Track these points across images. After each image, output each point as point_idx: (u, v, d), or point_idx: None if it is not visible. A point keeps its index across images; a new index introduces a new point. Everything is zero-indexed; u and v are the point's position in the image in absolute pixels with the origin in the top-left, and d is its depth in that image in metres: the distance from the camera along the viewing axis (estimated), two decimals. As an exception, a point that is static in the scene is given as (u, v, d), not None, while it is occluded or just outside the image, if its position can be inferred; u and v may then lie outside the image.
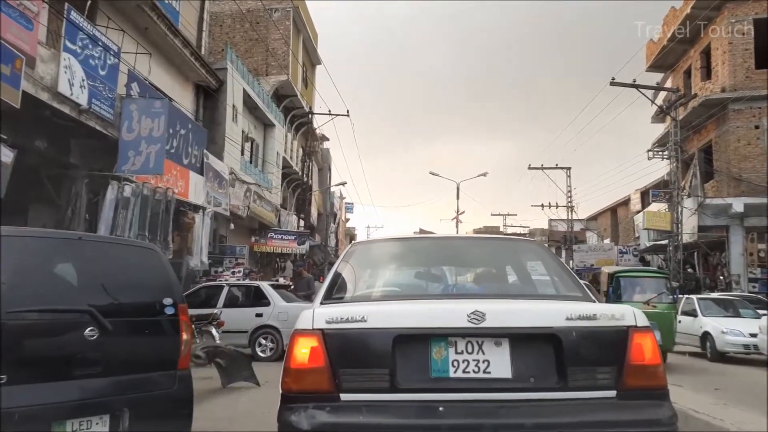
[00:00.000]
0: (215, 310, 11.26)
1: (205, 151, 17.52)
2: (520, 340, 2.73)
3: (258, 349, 11.93)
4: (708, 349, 14.39)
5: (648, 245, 28.81)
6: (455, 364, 2.70)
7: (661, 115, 27.28)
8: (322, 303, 3.14)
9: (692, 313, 15.49)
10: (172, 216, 14.50)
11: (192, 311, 11.79)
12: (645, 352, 2.72)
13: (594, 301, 3.16)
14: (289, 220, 29.45)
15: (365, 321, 2.71)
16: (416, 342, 2.72)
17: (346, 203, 59.50)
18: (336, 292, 3.34)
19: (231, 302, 12.41)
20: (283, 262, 29.47)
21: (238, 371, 8.12)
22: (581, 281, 3.42)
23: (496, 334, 2.72)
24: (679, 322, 15.77)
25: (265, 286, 12.63)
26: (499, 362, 2.70)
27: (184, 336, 4.08)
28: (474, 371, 2.70)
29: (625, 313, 2.78)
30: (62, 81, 10.67)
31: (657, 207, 27.17)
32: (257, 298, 12.38)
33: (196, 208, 16.51)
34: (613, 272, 14.04)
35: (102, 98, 11.90)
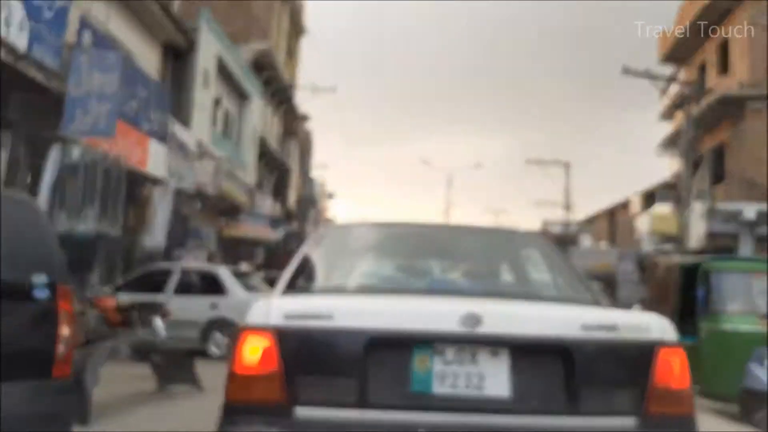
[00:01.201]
0: (162, 298, 10.10)
1: (169, 117, 16.30)
2: (523, 351, 2.36)
3: (212, 346, 10.82)
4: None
5: (648, 251, 28.01)
6: (441, 376, 2.33)
7: (672, 110, 26.42)
8: (282, 293, 2.80)
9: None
10: (126, 187, 13.32)
11: (133, 297, 10.72)
12: (673, 373, 2.39)
13: (606, 307, 2.85)
14: (265, 203, 28.25)
15: (332, 318, 2.34)
16: (394, 347, 2.36)
17: (328, 191, 58.40)
18: (301, 280, 2.97)
19: (183, 289, 11.26)
20: (256, 249, 28.34)
21: (178, 373, 7.03)
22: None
23: (494, 343, 2.35)
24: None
25: (222, 272, 11.48)
26: (496, 377, 2.33)
27: (65, 330, 2.96)
28: (464, 387, 2.32)
29: (652, 324, 2.46)
30: (-5, 19, 9.43)
31: (662, 210, 26.39)
32: (213, 287, 11.23)
33: (155, 181, 15.30)
34: (693, 264, 9.75)
35: (45, 44, 10.67)
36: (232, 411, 2.36)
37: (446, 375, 2.34)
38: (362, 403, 2.29)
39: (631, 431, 2.33)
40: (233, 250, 23.69)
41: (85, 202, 11.24)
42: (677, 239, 23.97)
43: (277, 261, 26.70)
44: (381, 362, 2.33)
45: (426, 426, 2.27)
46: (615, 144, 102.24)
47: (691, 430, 2.43)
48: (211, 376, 8.14)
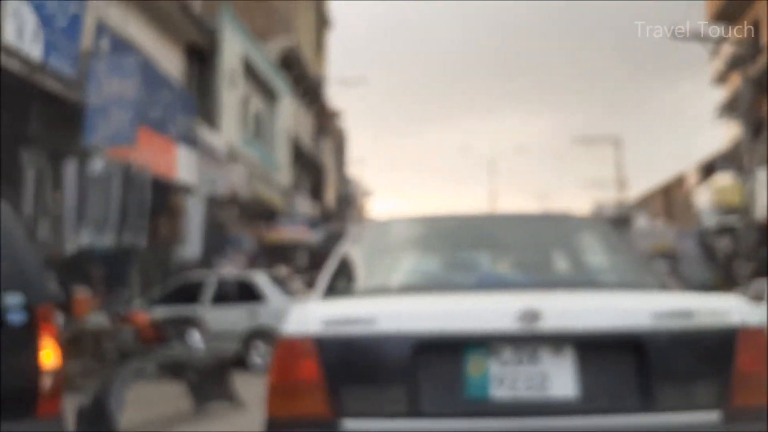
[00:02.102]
0: (197, 310, 9.76)
1: (197, 122, 16.05)
2: (589, 346, 2.21)
3: (254, 355, 10.42)
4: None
5: (710, 226, 26.74)
6: (499, 379, 2.19)
7: (726, 73, 25.11)
8: (322, 297, 2.69)
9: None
10: (154, 197, 13.08)
11: (168, 310, 10.43)
12: (759, 359, 2.21)
13: (677, 292, 2.72)
14: (302, 204, 27.98)
15: (374, 322, 2.22)
16: (445, 350, 2.23)
17: (366, 189, 58.11)
18: (340, 283, 2.85)
19: (219, 299, 10.90)
20: (298, 252, 28.11)
21: (214, 389, 6.60)
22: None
23: (556, 339, 2.20)
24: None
25: (259, 278, 11.08)
26: (561, 377, 2.18)
27: (50, 359, 2.50)
28: (526, 390, 2.19)
29: (731, 308, 2.29)
30: (8, 29, 9.22)
31: (723, 180, 25.11)
32: (251, 294, 10.85)
33: (186, 188, 15.06)
34: None
35: (61, 52, 10.44)
36: (274, 425, 2.24)
37: (505, 377, 2.19)
38: (414, 413, 2.16)
39: (715, 427, 2.16)
40: (274, 255, 23.47)
41: (109, 215, 10.98)
42: (742, 210, 22.73)
43: (320, 263, 26.45)
44: (431, 368, 2.20)
45: None
46: (666, 117, 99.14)
47: None
48: (252, 389, 7.72)
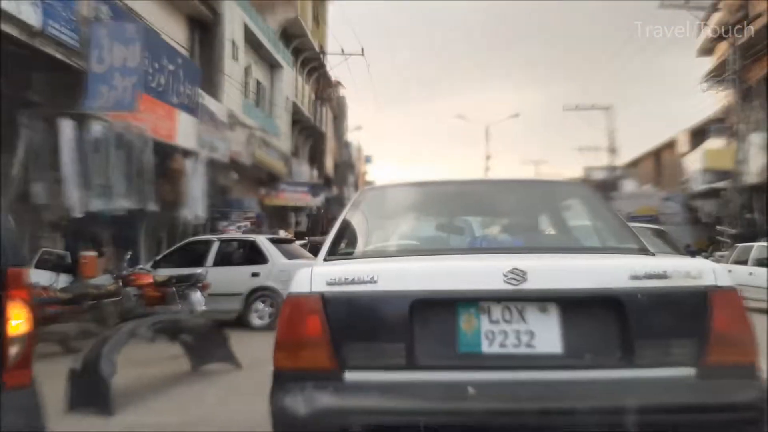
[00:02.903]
0: (199, 270, 9.51)
1: (199, 90, 15.60)
2: (573, 305, 2.25)
3: (254, 316, 10.22)
4: (788, 305, 12.34)
5: (700, 189, 26.39)
6: (489, 335, 2.24)
7: (714, 42, 24.50)
8: (325, 260, 2.75)
9: (765, 263, 13.45)
10: (156, 161, 12.74)
11: (170, 272, 10.19)
12: (730, 319, 2.24)
13: (654, 255, 2.67)
14: (302, 170, 27.61)
15: (375, 282, 2.27)
16: (440, 308, 2.28)
17: (365, 155, 57.55)
18: (342, 246, 2.91)
19: (222, 260, 10.67)
20: (299, 217, 27.84)
21: (211, 350, 6.38)
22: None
23: (542, 298, 2.25)
24: (750, 274, 13.93)
25: (261, 240, 10.85)
26: (546, 333, 2.22)
27: (18, 325, 2.25)
28: (514, 345, 2.23)
29: (703, 270, 2.29)
30: (5, -5, 8.77)
31: (714, 145, 24.74)
32: (253, 255, 10.60)
33: (186, 152, 14.70)
34: None
35: (60, 19, 10.01)
36: (281, 378, 2.30)
37: (495, 333, 2.26)
38: (411, 365, 2.23)
39: (690, 382, 2.21)
40: (275, 219, 23.20)
41: (111, 179, 10.67)
42: (733, 174, 22.41)
43: (320, 226, 26.23)
44: (427, 324, 2.27)
45: (478, 384, 2.18)
46: (657, 85, 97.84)
47: (753, 378, 2.26)
48: (253, 349, 7.52)
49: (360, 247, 3.00)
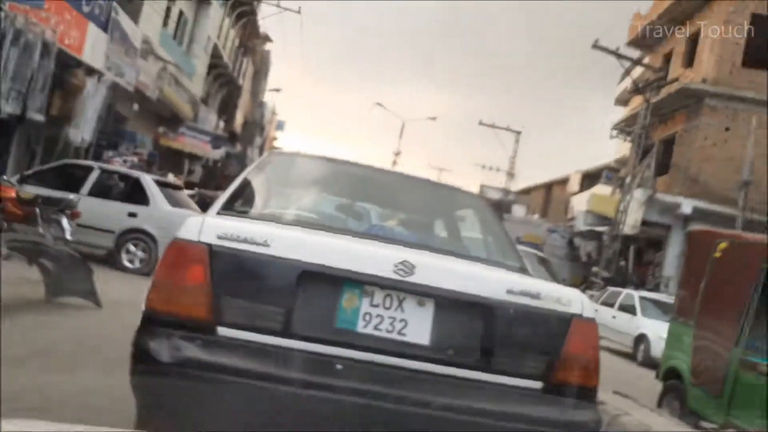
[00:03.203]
0: (71, 195, 8.79)
1: (114, 4, 14.52)
2: (448, 305, 2.38)
3: (125, 257, 9.59)
4: (640, 352, 13.37)
5: (583, 229, 28.01)
6: (366, 317, 2.32)
7: (631, 93, 26.06)
8: (218, 213, 2.68)
9: (630, 310, 14.44)
10: (54, 70, 11.70)
11: (39, 191, 9.38)
12: (584, 346, 2.46)
13: (531, 275, 2.89)
14: (209, 118, 26.51)
15: (267, 246, 2.26)
16: (326, 283, 2.31)
17: (278, 120, 56.31)
18: (239, 204, 2.87)
19: (100, 191, 9.88)
20: (193, 166, 26.72)
21: (72, 282, 5.89)
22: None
23: (423, 293, 2.35)
24: (613, 317, 14.92)
25: (147, 179, 10.13)
26: (419, 325, 2.35)
27: None
28: (387, 330, 2.32)
29: (573, 299, 2.48)
30: None
31: (602, 191, 26.27)
32: (134, 194, 9.92)
33: (89, 71, 13.65)
34: None
35: None
36: (151, 321, 2.23)
37: (372, 316, 2.34)
38: (286, 333, 2.25)
39: (536, 394, 2.38)
40: (168, 162, 22.12)
41: (3, 77, 9.66)
42: (612, 222, 23.95)
43: (214, 181, 25.32)
44: (311, 296, 2.31)
45: (345, 361, 2.25)
46: (567, 122, 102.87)
47: (592, 399, 2.47)
48: (116, 291, 7.05)
49: (257, 208, 3.00)
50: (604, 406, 4.37)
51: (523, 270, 2.93)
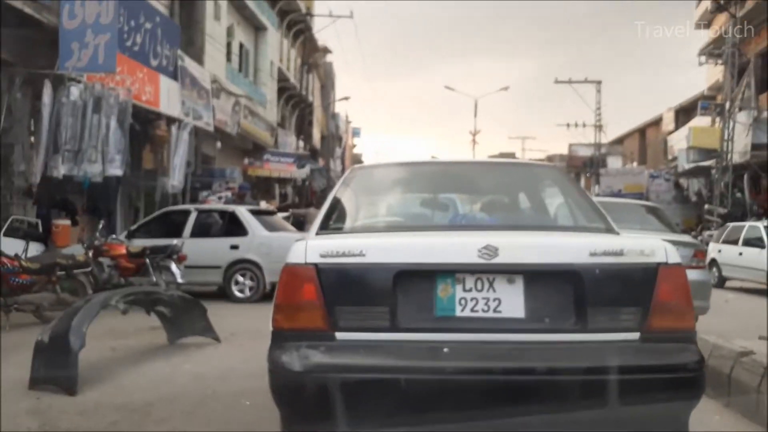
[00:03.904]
0: (175, 241, 9.14)
1: (179, 52, 15.06)
2: (536, 277, 2.57)
3: (235, 288, 9.88)
4: (778, 286, 12.30)
5: (687, 168, 26.31)
6: (462, 302, 2.55)
7: (713, 13, 24.14)
8: (317, 234, 3.01)
9: (757, 244, 13.33)
10: (138, 127, 12.28)
11: (145, 242, 9.83)
12: (674, 292, 2.55)
13: (618, 234, 2.97)
14: (288, 141, 27.12)
15: (363, 255, 2.56)
16: (420, 278, 2.58)
17: (353, 127, 56.91)
18: (333, 221, 3.17)
19: (201, 231, 10.25)
20: (283, 189, 27.41)
21: (190, 323, 6.07)
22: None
23: (510, 271, 2.56)
24: (740, 254, 13.84)
25: (241, 211, 10.40)
26: (512, 301, 2.55)
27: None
28: (483, 310, 2.55)
29: (656, 249, 2.58)
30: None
31: (700, 123, 24.55)
32: (233, 227, 10.21)
33: (170, 120, 14.22)
34: None
35: (28, -29, 9.47)
36: (279, 337, 2.55)
37: (467, 300, 2.54)
38: (394, 328, 2.50)
39: (635, 345, 2.48)
40: (259, 190, 22.79)
41: (85, 144, 10.20)
42: (718, 153, 22.33)
43: (304, 198, 25.85)
44: (409, 292, 2.54)
45: (451, 344, 2.47)
46: (649, 59, 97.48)
47: (690, 341, 2.56)
48: (231, 323, 7.23)
49: (349, 222, 3.27)
50: (754, 356, 3.96)
51: (608, 230, 3.01)
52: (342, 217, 3.29)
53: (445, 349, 2.45)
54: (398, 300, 2.51)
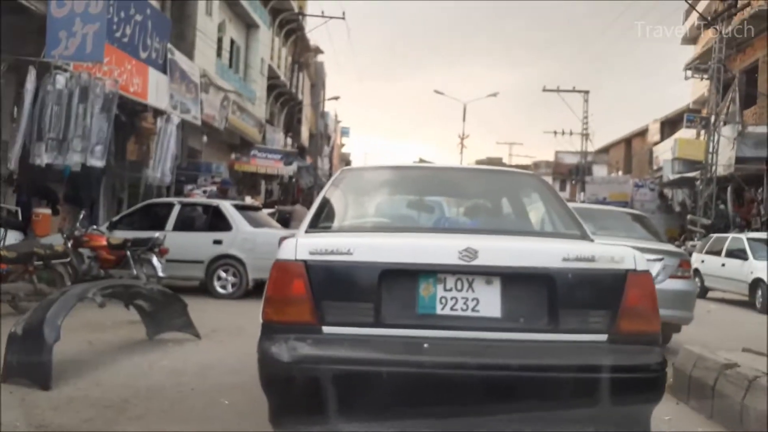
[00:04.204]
0: (157, 234, 8.97)
1: (169, 45, 14.87)
2: (513, 279, 2.71)
3: (217, 284, 9.72)
4: (759, 298, 12.37)
5: (672, 178, 26.49)
6: (443, 301, 2.69)
7: (698, 30, 24.38)
8: (307, 231, 3.11)
9: (740, 255, 13.41)
10: (125, 119, 12.10)
11: (128, 234, 9.66)
12: (641, 297, 2.71)
13: (592, 241, 3.11)
14: (276, 137, 26.92)
15: (351, 254, 2.69)
16: (403, 277, 2.70)
17: (342, 127, 56.76)
18: (322, 220, 3.28)
19: (184, 225, 10.07)
20: (270, 186, 27.20)
21: (169, 318, 5.94)
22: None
23: (488, 273, 2.70)
24: (722, 265, 13.92)
25: (226, 206, 10.23)
26: (489, 301, 2.69)
27: None
28: (462, 309, 2.68)
29: (625, 256, 2.73)
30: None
31: (685, 135, 24.73)
32: (217, 221, 10.05)
33: (157, 112, 14.03)
34: None
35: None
36: (269, 329, 2.66)
37: (447, 299, 2.67)
38: (378, 323, 2.63)
39: (602, 346, 2.63)
40: (245, 186, 22.60)
41: (70, 133, 10.00)
42: (703, 165, 22.51)
43: (290, 196, 25.68)
44: (392, 290, 2.67)
45: (431, 340, 2.60)
46: (636, 71, 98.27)
47: (654, 344, 2.71)
48: (212, 320, 7.11)
49: (338, 221, 3.38)
50: (738, 368, 3.93)
51: (583, 237, 3.13)
52: (331, 216, 3.39)
53: (426, 345, 2.57)
54: (382, 297, 2.63)
